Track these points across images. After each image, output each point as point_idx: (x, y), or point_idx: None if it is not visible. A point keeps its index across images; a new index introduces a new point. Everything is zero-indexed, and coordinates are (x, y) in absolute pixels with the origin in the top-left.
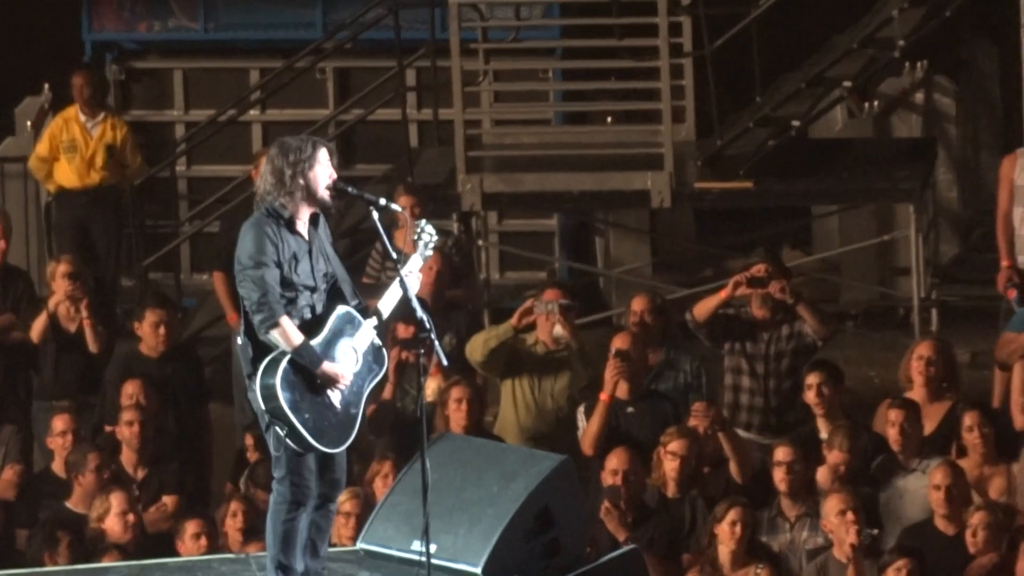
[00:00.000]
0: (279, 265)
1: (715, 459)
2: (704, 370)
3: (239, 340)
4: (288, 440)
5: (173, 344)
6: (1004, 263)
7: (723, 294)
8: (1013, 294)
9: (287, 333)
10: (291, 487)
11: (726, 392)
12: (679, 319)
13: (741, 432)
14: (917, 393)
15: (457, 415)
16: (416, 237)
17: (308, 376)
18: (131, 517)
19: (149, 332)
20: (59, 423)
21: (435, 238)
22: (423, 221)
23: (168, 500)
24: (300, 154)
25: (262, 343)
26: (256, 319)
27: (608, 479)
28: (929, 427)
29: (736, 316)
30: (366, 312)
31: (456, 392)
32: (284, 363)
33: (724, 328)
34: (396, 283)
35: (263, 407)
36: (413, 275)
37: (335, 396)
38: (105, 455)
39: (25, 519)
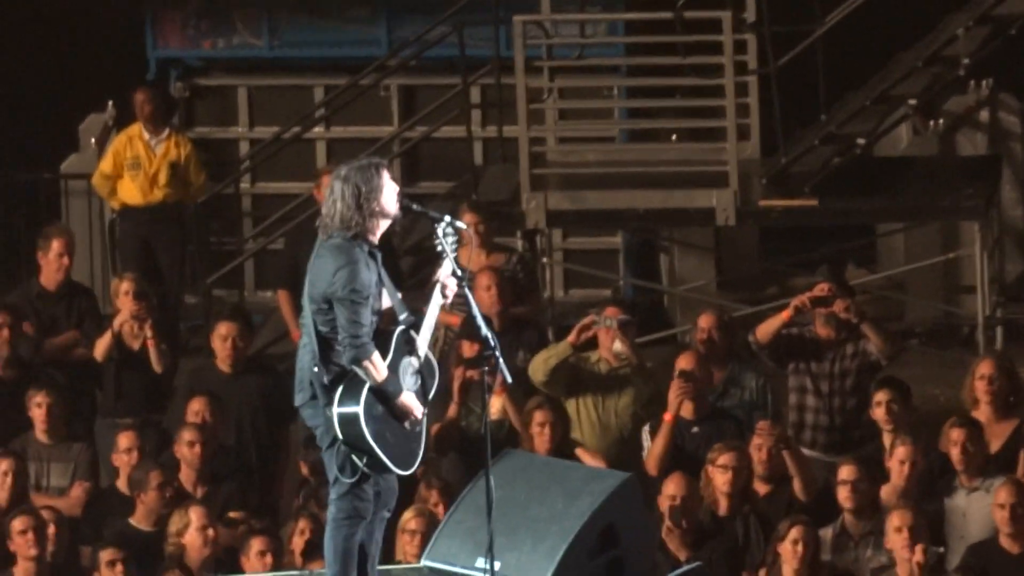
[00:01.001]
0: (368, 296)
1: (777, 478)
2: (770, 387)
3: (315, 368)
4: (364, 467)
5: (242, 358)
6: None
7: (785, 315)
8: None
9: (377, 368)
10: (353, 501)
11: (791, 411)
12: (744, 337)
13: (806, 451)
14: (983, 412)
15: (540, 439)
16: (440, 237)
17: (386, 404)
18: (211, 532)
19: (219, 345)
20: (124, 440)
21: (456, 234)
22: (446, 219)
23: (234, 516)
24: (369, 184)
25: (338, 370)
26: (349, 353)
27: (665, 503)
28: (995, 445)
29: (800, 335)
30: (416, 326)
31: (539, 416)
32: (365, 393)
33: (788, 348)
34: (436, 293)
35: (341, 436)
36: (450, 280)
37: (404, 419)
38: (168, 473)
39: (90, 536)
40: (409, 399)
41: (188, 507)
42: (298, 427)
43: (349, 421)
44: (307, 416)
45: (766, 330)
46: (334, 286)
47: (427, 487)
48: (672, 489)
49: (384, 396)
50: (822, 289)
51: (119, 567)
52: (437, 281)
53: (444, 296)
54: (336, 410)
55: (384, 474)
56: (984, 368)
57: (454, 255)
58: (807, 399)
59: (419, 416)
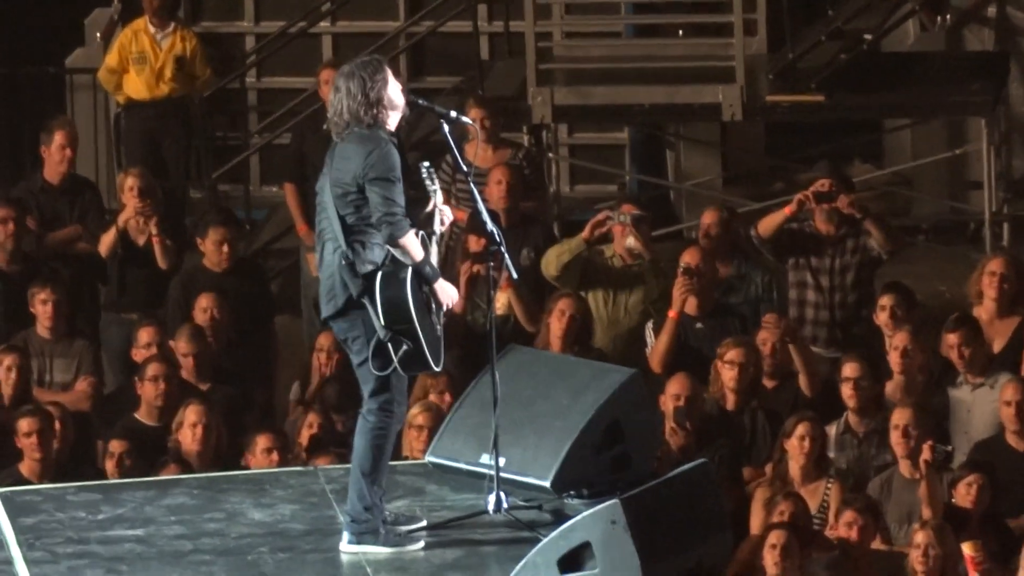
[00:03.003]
0: (400, 178)
1: (782, 373)
2: (775, 283)
3: (340, 260)
4: (402, 359)
5: (236, 260)
6: None
7: (788, 211)
8: None
9: (415, 246)
10: (396, 407)
11: (791, 306)
12: (749, 233)
13: None
14: (986, 308)
15: (557, 326)
16: (424, 177)
17: (425, 292)
18: (199, 430)
19: (212, 249)
20: (144, 335)
21: (435, 177)
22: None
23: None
24: (375, 76)
25: (372, 267)
26: (386, 231)
27: (669, 403)
28: (999, 343)
29: (800, 231)
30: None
31: (561, 304)
32: (409, 278)
33: (789, 243)
34: (432, 199)
35: (384, 322)
36: (444, 208)
37: (436, 313)
38: (168, 367)
39: (105, 431)
40: (446, 284)
41: (189, 404)
42: (287, 321)
43: (397, 306)
44: (341, 329)
45: (768, 224)
46: (367, 168)
47: (435, 376)
48: (676, 388)
49: (424, 279)
50: (823, 184)
51: (127, 460)
52: (434, 210)
53: (442, 224)
54: (381, 296)
55: (423, 369)
56: (994, 265)
57: (436, 192)
58: (807, 294)
59: (454, 302)
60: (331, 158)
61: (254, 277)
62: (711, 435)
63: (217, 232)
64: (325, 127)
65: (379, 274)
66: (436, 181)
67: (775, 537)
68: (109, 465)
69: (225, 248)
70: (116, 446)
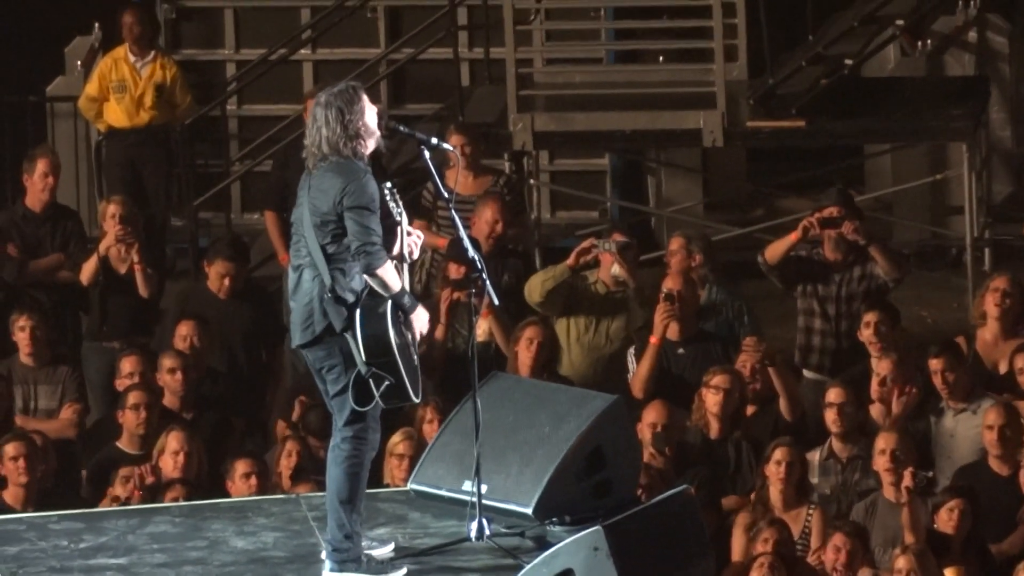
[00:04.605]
0: (377, 209)
1: (762, 398)
2: (746, 309)
3: (323, 292)
4: (383, 394)
5: (237, 292)
6: None
7: (794, 236)
8: None
9: (392, 276)
10: (370, 434)
11: (798, 334)
12: (729, 259)
13: (812, 374)
14: (990, 328)
15: (525, 355)
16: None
17: (404, 323)
18: (181, 458)
19: (215, 278)
20: (127, 365)
21: (398, 198)
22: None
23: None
24: (352, 105)
25: (353, 297)
26: (364, 261)
27: (646, 431)
28: (1004, 366)
29: (808, 258)
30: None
31: (529, 332)
32: (388, 311)
33: (796, 270)
34: (399, 220)
35: (365, 358)
36: (415, 236)
37: (414, 343)
38: (149, 395)
39: (88, 460)
40: (424, 314)
41: (171, 431)
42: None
43: (379, 341)
44: (317, 357)
45: (775, 251)
46: (345, 196)
47: (422, 405)
48: (652, 416)
49: (402, 310)
50: (831, 211)
51: (129, 484)
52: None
53: (410, 250)
54: (362, 331)
55: (403, 401)
56: (999, 283)
57: (402, 214)
58: (814, 322)
59: (426, 330)
60: (306, 188)
61: (257, 303)
62: (693, 464)
63: (223, 266)
64: (303, 155)
65: (359, 309)
66: (400, 202)
67: (765, 557)
68: (120, 490)
69: (227, 282)
70: (126, 471)
